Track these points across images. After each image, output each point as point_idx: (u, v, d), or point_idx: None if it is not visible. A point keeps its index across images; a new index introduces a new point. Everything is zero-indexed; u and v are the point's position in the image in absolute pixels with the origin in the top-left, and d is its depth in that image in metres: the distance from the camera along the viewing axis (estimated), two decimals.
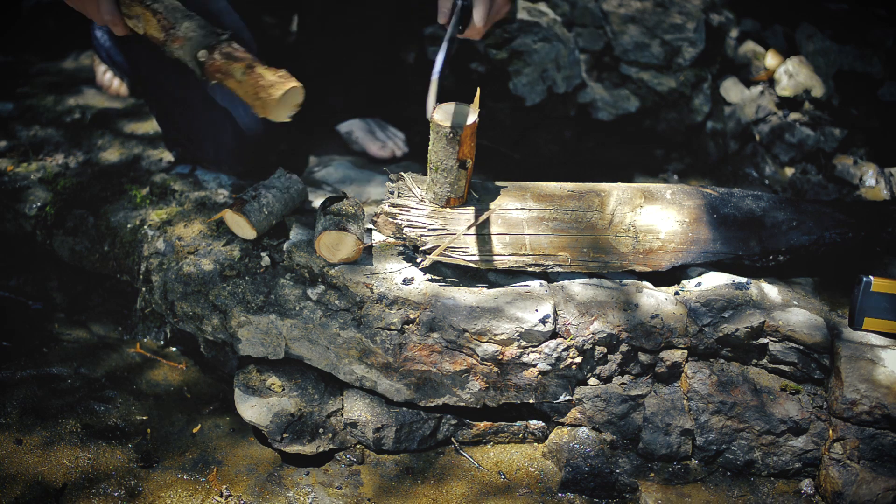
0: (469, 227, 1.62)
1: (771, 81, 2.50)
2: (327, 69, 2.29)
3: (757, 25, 2.61)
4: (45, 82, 2.47)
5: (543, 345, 1.62)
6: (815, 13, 2.56)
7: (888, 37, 2.48)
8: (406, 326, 1.62)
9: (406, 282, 1.66)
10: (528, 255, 1.65)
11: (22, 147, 2.15)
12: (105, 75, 2.43)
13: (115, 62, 2.39)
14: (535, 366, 1.63)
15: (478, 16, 1.69)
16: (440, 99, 1.55)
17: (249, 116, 1.93)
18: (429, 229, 1.62)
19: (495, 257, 1.63)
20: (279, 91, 1.45)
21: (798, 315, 1.65)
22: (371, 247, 1.72)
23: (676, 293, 1.71)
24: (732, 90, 2.53)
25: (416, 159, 2.30)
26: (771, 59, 2.52)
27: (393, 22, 2.35)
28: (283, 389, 1.69)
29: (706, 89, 2.51)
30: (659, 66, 2.49)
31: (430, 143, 1.60)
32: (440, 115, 1.56)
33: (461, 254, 1.62)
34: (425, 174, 1.66)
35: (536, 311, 1.61)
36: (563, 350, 1.62)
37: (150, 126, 2.26)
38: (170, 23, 1.56)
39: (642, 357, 1.67)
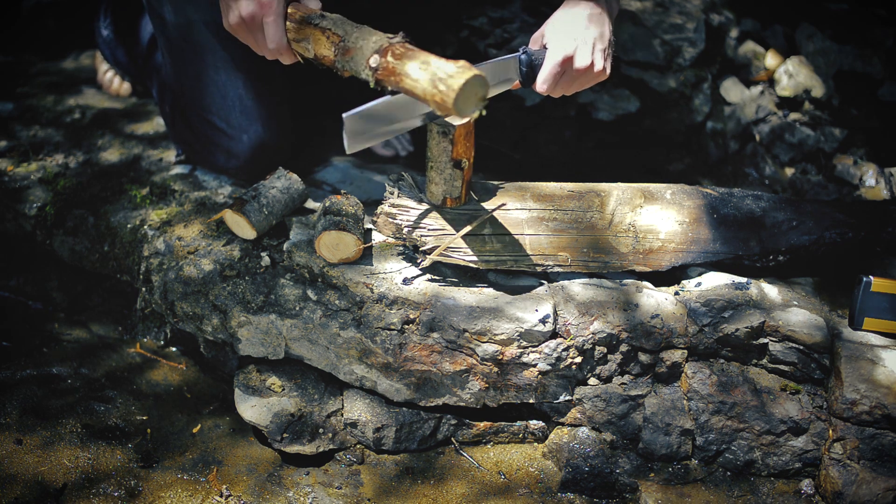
0: (469, 228, 1.62)
1: (771, 81, 2.50)
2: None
3: (757, 25, 2.61)
4: (45, 82, 2.47)
5: (543, 345, 1.62)
6: (815, 13, 2.56)
7: (888, 37, 2.48)
8: (406, 326, 1.62)
9: (406, 282, 1.66)
10: (527, 255, 1.65)
11: (22, 147, 2.15)
12: (106, 75, 2.43)
13: (119, 61, 2.39)
14: (535, 366, 1.63)
15: (541, 78, 1.57)
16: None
17: (270, 130, 1.94)
18: (429, 230, 1.62)
19: (495, 257, 1.63)
20: (459, 80, 1.27)
21: (798, 315, 1.65)
22: (371, 247, 1.72)
23: (676, 293, 1.71)
24: (732, 90, 2.53)
25: (419, 159, 2.30)
26: (771, 59, 2.52)
27: (426, 18, 2.33)
28: (283, 389, 1.69)
29: (706, 89, 2.51)
30: (659, 66, 2.49)
31: (427, 141, 1.60)
32: None
33: (461, 254, 1.62)
34: (424, 174, 1.66)
35: (536, 311, 1.61)
36: (563, 350, 1.62)
37: (150, 126, 2.26)
38: (339, 36, 1.46)
39: (642, 357, 1.67)
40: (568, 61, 1.56)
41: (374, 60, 1.39)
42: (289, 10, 1.55)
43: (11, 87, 2.42)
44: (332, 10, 1.58)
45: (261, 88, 1.93)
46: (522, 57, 1.60)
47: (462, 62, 1.30)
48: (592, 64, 1.57)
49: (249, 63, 1.91)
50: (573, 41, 1.55)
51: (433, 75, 1.30)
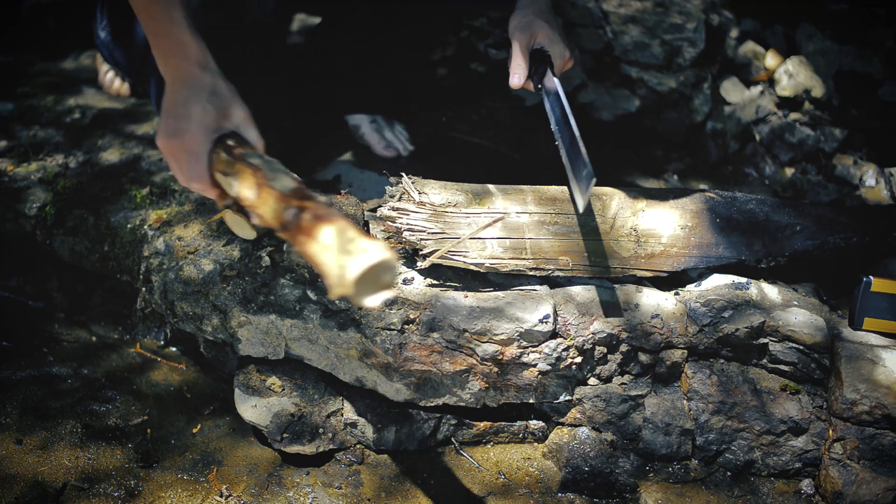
0: (469, 232, 1.61)
1: (771, 81, 2.50)
2: (351, 66, 2.29)
3: (757, 25, 2.61)
4: (45, 82, 2.47)
5: (543, 345, 1.62)
6: (815, 13, 2.56)
7: (888, 37, 2.48)
8: (406, 326, 1.62)
9: (406, 282, 1.66)
10: (528, 259, 1.65)
11: (22, 147, 2.15)
12: (107, 75, 2.43)
13: (117, 62, 2.38)
14: (535, 366, 1.63)
15: (557, 71, 1.71)
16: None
17: (267, 131, 1.94)
18: (428, 233, 1.62)
19: (496, 261, 1.63)
20: (365, 263, 1.10)
21: (798, 315, 1.65)
22: None
23: (676, 293, 1.71)
24: (732, 90, 2.53)
25: (419, 159, 2.31)
26: (771, 59, 2.52)
27: (423, 23, 2.34)
28: (283, 389, 1.69)
29: (706, 89, 2.51)
30: (659, 66, 2.50)
31: None
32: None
33: (461, 257, 1.62)
34: (427, 175, 1.66)
35: (536, 311, 1.61)
36: (563, 350, 1.62)
37: (150, 126, 2.26)
38: (266, 178, 1.30)
39: (642, 357, 1.67)
40: (568, 60, 1.76)
41: (290, 214, 1.23)
42: (228, 143, 1.42)
43: (11, 87, 2.42)
44: (330, 12, 1.60)
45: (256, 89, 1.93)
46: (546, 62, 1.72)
47: (379, 242, 1.14)
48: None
49: (244, 64, 1.91)
50: (566, 45, 1.75)
51: (344, 247, 1.13)
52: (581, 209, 1.55)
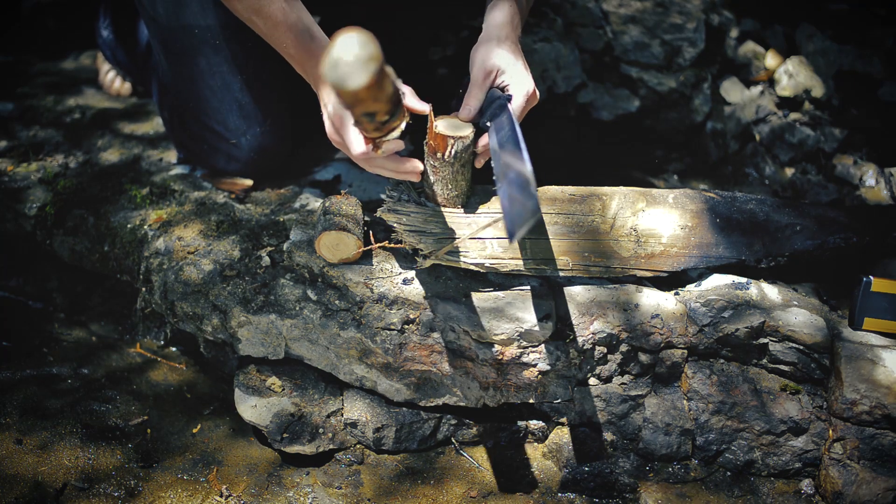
0: (469, 233, 1.61)
1: (771, 81, 2.50)
2: None
3: (757, 25, 2.61)
4: (45, 82, 2.47)
5: (543, 345, 1.62)
6: (815, 13, 2.56)
7: (888, 37, 2.48)
8: (406, 326, 1.62)
9: (406, 282, 1.66)
10: (528, 259, 1.65)
11: (22, 147, 2.15)
12: (107, 75, 2.43)
13: (120, 62, 2.38)
14: (535, 366, 1.63)
15: (517, 111, 1.61)
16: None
17: (268, 131, 1.94)
18: (428, 233, 1.62)
19: (496, 261, 1.63)
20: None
21: (798, 315, 1.65)
22: (371, 249, 1.72)
23: (676, 293, 1.71)
24: (732, 90, 2.53)
25: (417, 157, 2.30)
26: (771, 59, 2.52)
27: (422, 23, 2.33)
28: (283, 389, 1.69)
29: (706, 89, 2.51)
30: (659, 66, 2.49)
31: (445, 150, 1.56)
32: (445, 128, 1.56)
33: (461, 257, 1.62)
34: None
35: (536, 311, 1.61)
36: (563, 350, 1.62)
37: (150, 126, 2.27)
38: None
39: (642, 357, 1.67)
40: (532, 96, 1.64)
41: None
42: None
43: (11, 87, 2.42)
44: (328, 12, 1.59)
45: (257, 90, 1.93)
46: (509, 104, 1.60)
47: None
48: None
49: (244, 65, 1.90)
50: (531, 80, 1.63)
51: None
52: (516, 240, 1.33)
